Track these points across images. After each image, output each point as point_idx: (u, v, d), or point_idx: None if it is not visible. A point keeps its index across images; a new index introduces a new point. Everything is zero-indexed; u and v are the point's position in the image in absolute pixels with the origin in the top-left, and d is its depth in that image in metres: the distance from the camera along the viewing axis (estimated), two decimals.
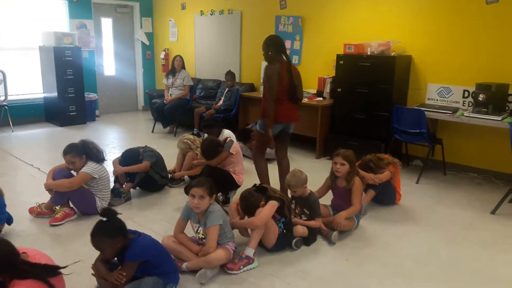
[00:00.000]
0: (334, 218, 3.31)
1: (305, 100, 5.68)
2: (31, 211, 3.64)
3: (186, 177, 4.40)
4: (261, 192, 3.05)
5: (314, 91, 6.05)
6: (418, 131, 4.70)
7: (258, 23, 6.92)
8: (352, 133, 5.36)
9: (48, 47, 7.24)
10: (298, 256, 3.06)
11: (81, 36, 7.89)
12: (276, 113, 3.62)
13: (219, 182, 3.72)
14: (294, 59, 6.50)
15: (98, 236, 2.27)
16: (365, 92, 5.20)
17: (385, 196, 3.97)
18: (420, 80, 5.25)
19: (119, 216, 2.35)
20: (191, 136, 4.62)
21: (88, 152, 3.63)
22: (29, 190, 4.24)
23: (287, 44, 6.56)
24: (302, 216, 3.34)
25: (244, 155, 5.51)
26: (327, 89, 5.87)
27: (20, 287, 1.95)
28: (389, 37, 5.28)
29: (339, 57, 5.45)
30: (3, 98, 6.96)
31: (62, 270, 2.18)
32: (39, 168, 4.95)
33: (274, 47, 3.71)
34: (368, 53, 5.26)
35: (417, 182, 4.69)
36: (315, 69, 6.21)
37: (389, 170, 3.87)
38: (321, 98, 5.86)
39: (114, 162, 4.16)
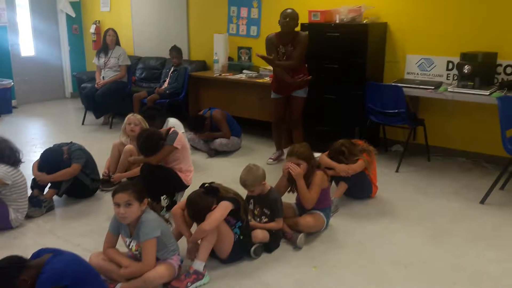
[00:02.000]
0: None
1: (265, 79, 5.69)
2: None
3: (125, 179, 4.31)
4: (212, 193, 3.03)
5: None
6: (396, 111, 4.79)
7: None
8: (322, 116, 5.40)
9: None
10: (258, 265, 3.07)
11: None
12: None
13: (162, 183, 3.73)
14: (252, 30, 6.47)
15: None
16: (335, 68, 5.24)
17: (359, 189, 4.04)
18: (397, 52, 5.35)
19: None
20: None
21: None
22: None
23: (243, 12, 6.52)
24: (262, 217, 3.36)
25: (195, 148, 5.49)
26: None
27: None
28: (361, 2, 5.32)
29: (303, 26, 5.43)
30: None
31: None
32: None
33: None
34: (337, 21, 5.30)
35: (396, 171, 4.81)
36: None
37: (363, 158, 3.93)
38: None
39: (33, 167, 4.04)
